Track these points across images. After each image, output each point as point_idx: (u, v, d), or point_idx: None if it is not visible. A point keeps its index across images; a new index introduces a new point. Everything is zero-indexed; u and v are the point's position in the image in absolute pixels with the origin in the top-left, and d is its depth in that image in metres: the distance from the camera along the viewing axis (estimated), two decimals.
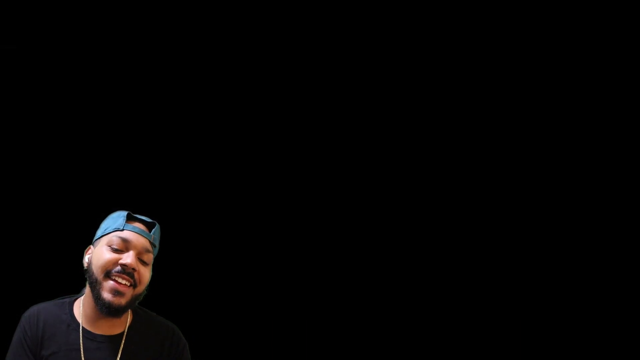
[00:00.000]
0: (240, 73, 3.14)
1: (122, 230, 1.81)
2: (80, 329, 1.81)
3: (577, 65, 3.09)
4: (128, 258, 1.77)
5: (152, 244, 1.84)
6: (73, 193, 2.96)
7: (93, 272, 1.78)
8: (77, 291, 1.89)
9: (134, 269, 1.77)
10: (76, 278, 1.91)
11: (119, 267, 1.76)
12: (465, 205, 3.14)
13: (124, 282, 1.76)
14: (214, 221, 3.11)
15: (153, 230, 1.86)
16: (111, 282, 1.75)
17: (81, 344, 1.80)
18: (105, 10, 3.03)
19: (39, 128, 3.02)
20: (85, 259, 1.84)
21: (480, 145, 3.15)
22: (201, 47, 3.11)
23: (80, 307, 1.84)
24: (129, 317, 1.86)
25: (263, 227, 3.13)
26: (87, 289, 1.81)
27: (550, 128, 3.12)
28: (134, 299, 1.79)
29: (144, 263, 1.81)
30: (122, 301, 1.75)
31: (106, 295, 1.75)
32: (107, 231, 1.82)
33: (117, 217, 1.85)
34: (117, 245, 1.79)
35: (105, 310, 1.75)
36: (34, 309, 1.84)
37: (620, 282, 3.05)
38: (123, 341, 1.82)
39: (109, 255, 1.78)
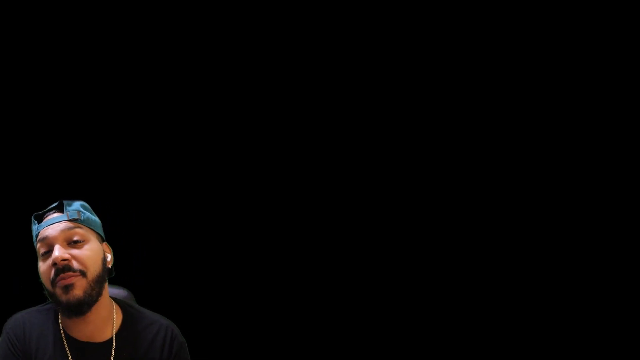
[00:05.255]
0: (232, 69, 3.14)
1: (39, 233, 1.63)
2: (64, 339, 1.63)
3: (577, 65, 3.09)
4: (55, 253, 1.58)
5: (71, 220, 1.62)
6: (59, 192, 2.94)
7: (45, 288, 1.62)
8: None
9: (64, 260, 1.57)
10: None
11: (53, 270, 1.57)
12: (465, 205, 3.14)
13: (67, 278, 1.56)
14: (215, 218, 3.11)
15: (64, 207, 1.64)
16: (59, 282, 1.56)
17: (69, 356, 1.61)
18: None
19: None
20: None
21: (480, 145, 3.15)
22: (189, 43, 3.10)
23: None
24: (116, 318, 1.67)
25: (263, 225, 3.13)
26: None
27: (550, 128, 3.12)
28: (93, 285, 1.59)
29: (77, 242, 1.61)
30: (78, 293, 1.56)
31: (62, 298, 1.57)
32: (35, 245, 1.66)
33: (33, 227, 1.67)
34: (43, 249, 1.61)
35: (68, 312, 1.58)
36: (18, 318, 1.66)
37: (620, 282, 3.05)
38: (113, 348, 1.63)
39: (43, 266, 1.60)
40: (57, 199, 1.70)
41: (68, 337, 1.63)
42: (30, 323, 1.64)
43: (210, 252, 3.08)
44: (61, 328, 1.64)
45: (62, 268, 1.56)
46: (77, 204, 1.67)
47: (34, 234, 1.66)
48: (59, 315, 1.65)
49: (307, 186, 3.14)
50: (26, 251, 2.85)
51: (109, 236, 1.74)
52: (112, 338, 1.64)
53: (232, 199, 3.11)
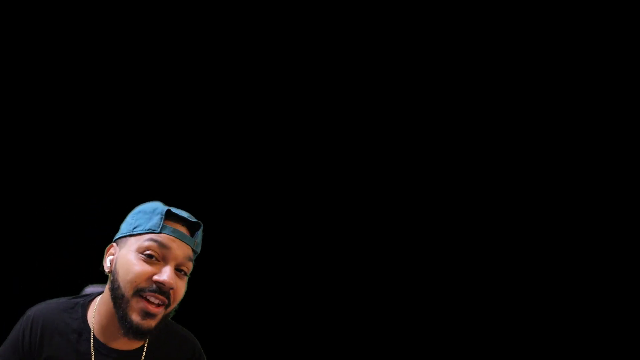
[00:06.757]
0: (237, 71, 3.14)
1: (159, 233, 1.44)
2: (92, 340, 1.50)
3: (577, 65, 3.09)
4: (165, 274, 1.42)
5: (194, 251, 1.50)
6: (78, 186, 2.94)
7: (119, 286, 1.43)
8: (78, 290, 1.65)
9: (171, 288, 1.42)
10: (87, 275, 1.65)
11: (154, 286, 1.41)
12: (465, 205, 3.14)
13: (157, 301, 1.42)
14: (219, 220, 3.10)
15: (197, 233, 1.51)
16: (142, 303, 1.42)
17: (92, 358, 1.49)
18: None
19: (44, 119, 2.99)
20: (107, 262, 1.48)
21: (480, 145, 3.15)
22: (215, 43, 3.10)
23: (94, 313, 1.52)
24: None
25: (268, 228, 3.13)
26: (107, 297, 1.48)
27: (550, 128, 3.12)
28: (164, 317, 1.46)
29: (183, 274, 1.47)
30: (152, 323, 1.43)
31: (135, 318, 1.41)
32: (137, 230, 1.46)
33: (151, 213, 1.47)
34: (152, 252, 1.43)
35: (131, 334, 1.43)
36: (38, 312, 1.53)
37: (620, 282, 3.05)
38: (143, 356, 1.51)
39: (140, 268, 1.42)
40: (57, 201, 1.64)
41: (97, 341, 1.51)
42: (50, 320, 1.52)
43: (212, 256, 3.07)
44: (92, 331, 1.51)
45: (162, 291, 1.42)
46: (201, 235, 1.53)
47: (148, 223, 1.46)
48: (88, 312, 1.54)
49: (308, 187, 3.14)
50: (26, 251, 2.89)
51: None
52: (142, 347, 1.52)
53: (232, 200, 3.12)
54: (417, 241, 3.14)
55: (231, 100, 3.13)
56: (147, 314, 1.41)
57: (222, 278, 3.08)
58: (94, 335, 1.50)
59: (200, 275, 2.97)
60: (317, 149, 3.16)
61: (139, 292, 1.41)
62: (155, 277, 1.41)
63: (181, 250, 1.45)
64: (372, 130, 3.17)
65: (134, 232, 1.46)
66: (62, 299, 1.56)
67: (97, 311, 1.51)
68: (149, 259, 1.43)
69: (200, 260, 3.05)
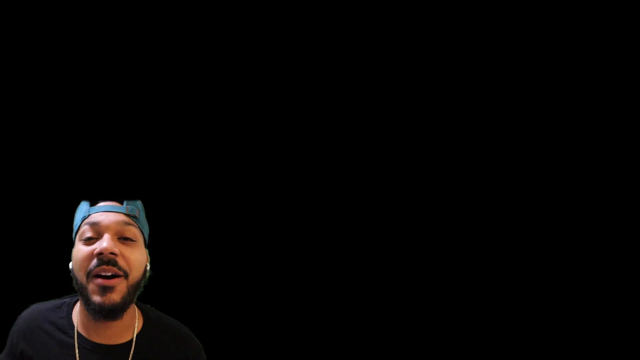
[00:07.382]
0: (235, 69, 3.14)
1: (89, 215, 1.48)
2: (76, 336, 1.51)
3: (577, 65, 3.09)
4: (103, 242, 1.43)
5: (130, 215, 1.50)
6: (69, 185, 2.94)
7: (76, 277, 1.46)
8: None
9: (113, 254, 1.43)
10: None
11: (95, 260, 1.42)
12: (465, 205, 3.14)
13: (109, 273, 1.42)
14: (216, 217, 3.11)
15: (125, 201, 1.52)
16: (97, 281, 1.42)
17: (77, 355, 1.50)
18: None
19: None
20: (70, 264, 1.51)
21: (480, 145, 3.15)
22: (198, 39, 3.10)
23: (78, 311, 1.54)
24: (138, 322, 1.55)
25: (265, 225, 3.13)
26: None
27: (550, 128, 3.12)
28: (130, 290, 1.46)
29: (128, 240, 1.47)
30: (115, 297, 1.43)
31: (95, 298, 1.42)
32: (76, 226, 1.51)
33: (81, 206, 1.53)
34: (88, 234, 1.46)
35: (99, 315, 1.44)
36: (27, 314, 1.57)
37: (620, 282, 3.05)
38: (132, 353, 1.51)
39: (83, 251, 1.45)
40: (56, 200, 1.66)
41: (81, 337, 1.51)
42: (36, 321, 1.55)
43: (208, 253, 3.08)
44: (75, 328, 1.53)
45: (107, 261, 1.43)
46: (138, 205, 1.54)
47: (81, 214, 1.50)
48: (73, 310, 1.56)
49: (308, 187, 3.14)
50: (26, 251, 2.88)
51: None
52: (131, 341, 1.52)
53: (234, 198, 3.12)
54: (415, 238, 3.15)
55: (223, 98, 3.13)
56: (104, 289, 1.42)
57: (220, 275, 3.09)
58: (77, 331, 1.51)
59: (199, 271, 3.00)
60: (316, 143, 3.16)
61: (89, 274, 1.43)
62: (95, 251, 1.44)
63: (111, 219, 1.47)
64: (362, 126, 3.17)
65: (75, 230, 1.51)
66: (51, 301, 1.60)
67: (79, 309, 1.53)
68: (88, 240, 1.46)
69: (197, 256, 3.04)
